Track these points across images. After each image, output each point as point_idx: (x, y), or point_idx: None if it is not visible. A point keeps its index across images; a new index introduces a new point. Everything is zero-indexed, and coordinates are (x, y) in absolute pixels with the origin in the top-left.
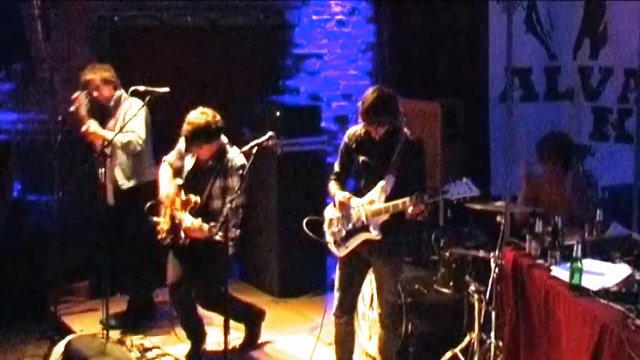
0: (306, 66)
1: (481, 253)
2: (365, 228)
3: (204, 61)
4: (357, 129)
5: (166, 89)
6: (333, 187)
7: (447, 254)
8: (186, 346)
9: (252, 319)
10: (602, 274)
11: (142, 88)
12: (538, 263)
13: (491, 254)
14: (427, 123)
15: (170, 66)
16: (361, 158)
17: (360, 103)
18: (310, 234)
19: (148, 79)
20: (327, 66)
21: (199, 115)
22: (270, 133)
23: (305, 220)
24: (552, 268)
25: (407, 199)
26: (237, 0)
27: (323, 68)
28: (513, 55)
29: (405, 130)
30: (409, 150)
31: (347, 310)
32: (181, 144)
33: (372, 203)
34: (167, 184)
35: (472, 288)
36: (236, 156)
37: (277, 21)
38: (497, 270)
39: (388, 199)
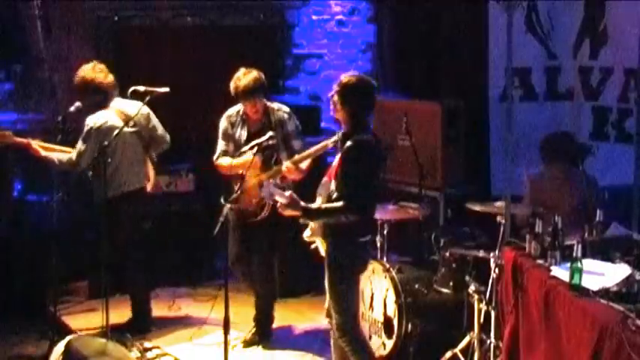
0: (306, 66)
1: (481, 253)
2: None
3: (204, 61)
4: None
5: (166, 89)
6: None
7: (447, 254)
8: (185, 345)
9: (269, 321)
10: (602, 274)
11: (141, 88)
12: (538, 263)
13: (491, 254)
14: (427, 123)
15: (170, 66)
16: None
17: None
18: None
19: (147, 79)
20: (327, 66)
21: (247, 72)
22: (270, 133)
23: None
24: (552, 268)
25: None
26: (237, 0)
27: (323, 68)
28: (513, 55)
29: (364, 137)
30: (346, 154)
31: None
32: (223, 125)
33: None
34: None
35: (472, 288)
36: (279, 105)
37: (277, 21)
38: (497, 270)
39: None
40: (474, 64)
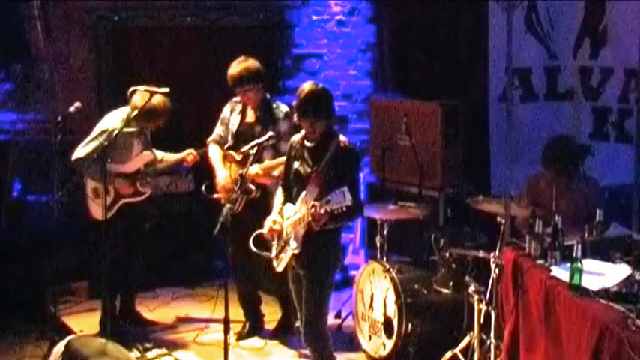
0: (306, 66)
1: (481, 253)
2: (288, 241)
3: (204, 61)
4: (298, 136)
5: (166, 89)
6: (276, 199)
7: (447, 254)
8: (186, 346)
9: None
10: (602, 274)
11: (141, 88)
12: (538, 263)
13: (491, 254)
14: (427, 123)
15: (170, 66)
16: (295, 166)
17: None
18: (255, 249)
19: (147, 79)
20: (327, 66)
21: (241, 61)
22: (270, 133)
23: (253, 235)
24: (552, 268)
25: (305, 212)
26: (237, 0)
27: (323, 68)
28: (513, 55)
29: (342, 138)
30: (339, 159)
31: None
32: (224, 110)
33: (295, 215)
34: (221, 166)
35: (472, 288)
36: (279, 104)
37: (277, 21)
38: (497, 270)
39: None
40: (474, 64)
